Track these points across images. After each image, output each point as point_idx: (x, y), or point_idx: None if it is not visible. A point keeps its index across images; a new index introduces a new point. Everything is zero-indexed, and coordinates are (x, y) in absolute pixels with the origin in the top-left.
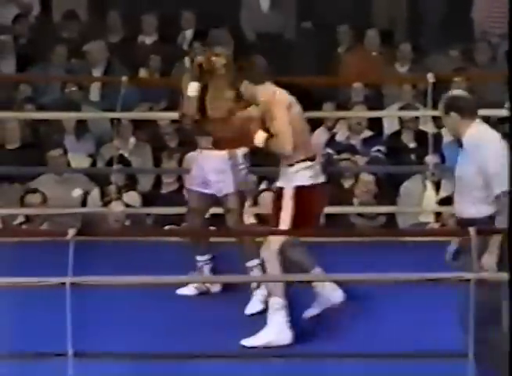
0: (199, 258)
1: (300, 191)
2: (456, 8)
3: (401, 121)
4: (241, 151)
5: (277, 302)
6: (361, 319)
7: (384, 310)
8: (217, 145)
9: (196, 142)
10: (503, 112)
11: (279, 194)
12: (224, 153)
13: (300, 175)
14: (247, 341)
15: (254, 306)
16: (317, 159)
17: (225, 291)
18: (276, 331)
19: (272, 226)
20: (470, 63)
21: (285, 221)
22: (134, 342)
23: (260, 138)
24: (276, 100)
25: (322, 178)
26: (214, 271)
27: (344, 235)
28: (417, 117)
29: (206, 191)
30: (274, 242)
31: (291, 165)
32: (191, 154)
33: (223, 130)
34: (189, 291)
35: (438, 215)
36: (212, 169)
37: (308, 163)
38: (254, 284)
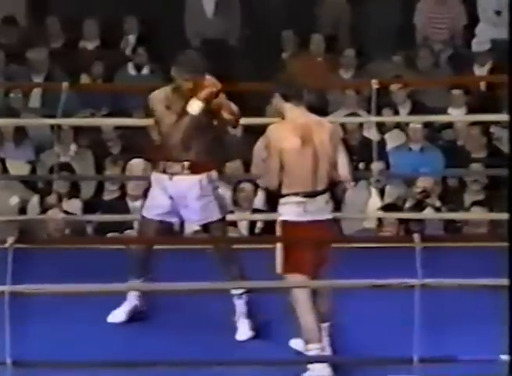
0: None
1: (284, 225)
2: (400, 14)
3: (344, 128)
4: (215, 173)
5: (315, 348)
6: None
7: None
8: (193, 168)
9: (155, 161)
10: (444, 118)
11: None
12: (201, 176)
13: (286, 209)
14: None
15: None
16: (320, 197)
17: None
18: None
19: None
20: (412, 69)
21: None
22: (73, 351)
23: (194, 106)
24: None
25: (315, 216)
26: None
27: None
28: (361, 124)
29: (171, 220)
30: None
31: (281, 196)
32: (154, 177)
33: (200, 152)
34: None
35: (380, 221)
36: (194, 196)
37: (298, 198)
38: None
